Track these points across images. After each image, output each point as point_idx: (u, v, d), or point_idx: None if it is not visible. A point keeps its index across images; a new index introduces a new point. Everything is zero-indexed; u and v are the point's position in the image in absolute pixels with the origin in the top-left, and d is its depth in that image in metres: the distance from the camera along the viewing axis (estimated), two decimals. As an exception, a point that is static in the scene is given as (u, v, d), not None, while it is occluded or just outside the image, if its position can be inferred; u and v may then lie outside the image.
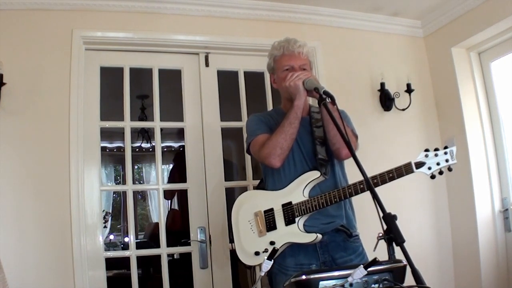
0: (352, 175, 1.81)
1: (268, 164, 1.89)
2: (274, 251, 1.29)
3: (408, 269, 1.15)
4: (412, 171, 1.67)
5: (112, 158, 6.24)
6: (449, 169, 1.66)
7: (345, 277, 1.11)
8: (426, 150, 1.68)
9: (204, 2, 2.85)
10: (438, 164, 1.65)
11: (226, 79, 3.03)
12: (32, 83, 2.47)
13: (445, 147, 1.67)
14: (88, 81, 2.63)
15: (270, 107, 2.93)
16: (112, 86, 2.77)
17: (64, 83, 2.52)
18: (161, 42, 2.80)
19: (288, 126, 1.84)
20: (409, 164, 1.67)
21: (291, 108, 1.86)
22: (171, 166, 4.97)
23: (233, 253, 1.99)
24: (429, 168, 1.65)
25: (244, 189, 2.87)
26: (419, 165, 1.66)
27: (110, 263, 2.84)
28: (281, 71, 1.99)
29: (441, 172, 1.67)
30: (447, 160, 1.65)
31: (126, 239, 5.34)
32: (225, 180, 2.84)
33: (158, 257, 2.70)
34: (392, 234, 1.22)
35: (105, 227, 5.36)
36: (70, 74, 2.53)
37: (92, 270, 2.45)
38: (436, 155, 1.66)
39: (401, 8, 3.17)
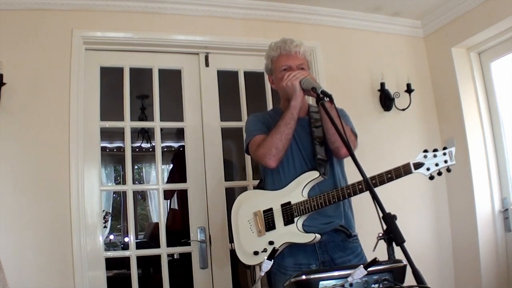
0: (351, 175, 1.80)
1: (264, 164, 1.89)
2: (274, 251, 1.29)
3: (408, 269, 1.15)
4: (410, 172, 1.66)
5: (112, 158, 6.23)
6: (448, 170, 1.65)
7: (345, 277, 1.10)
8: (425, 151, 1.66)
9: (204, 2, 2.85)
10: (436, 165, 1.63)
11: (226, 79, 3.03)
12: (32, 83, 2.47)
13: (444, 148, 1.65)
14: (88, 81, 2.63)
15: (270, 107, 2.92)
16: (112, 86, 2.77)
17: (64, 83, 2.52)
18: (161, 42, 2.80)
19: (284, 126, 1.84)
20: (408, 165, 1.66)
21: (287, 109, 1.86)
22: (171, 166, 4.97)
23: (233, 253, 1.99)
24: (428, 169, 1.64)
25: (244, 189, 2.86)
26: (418, 165, 1.65)
27: (110, 263, 2.83)
28: (278, 72, 1.98)
29: (439, 173, 1.65)
30: (446, 161, 1.63)
31: (126, 239, 5.34)
32: (225, 180, 2.84)
33: (158, 257, 2.70)
34: (392, 234, 1.22)
35: (105, 227, 5.36)
36: (70, 74, 2.53)
37: (92, 270, 2.45)
38: (435, 156, 1.64)
39: (401, 8, 3.17)
